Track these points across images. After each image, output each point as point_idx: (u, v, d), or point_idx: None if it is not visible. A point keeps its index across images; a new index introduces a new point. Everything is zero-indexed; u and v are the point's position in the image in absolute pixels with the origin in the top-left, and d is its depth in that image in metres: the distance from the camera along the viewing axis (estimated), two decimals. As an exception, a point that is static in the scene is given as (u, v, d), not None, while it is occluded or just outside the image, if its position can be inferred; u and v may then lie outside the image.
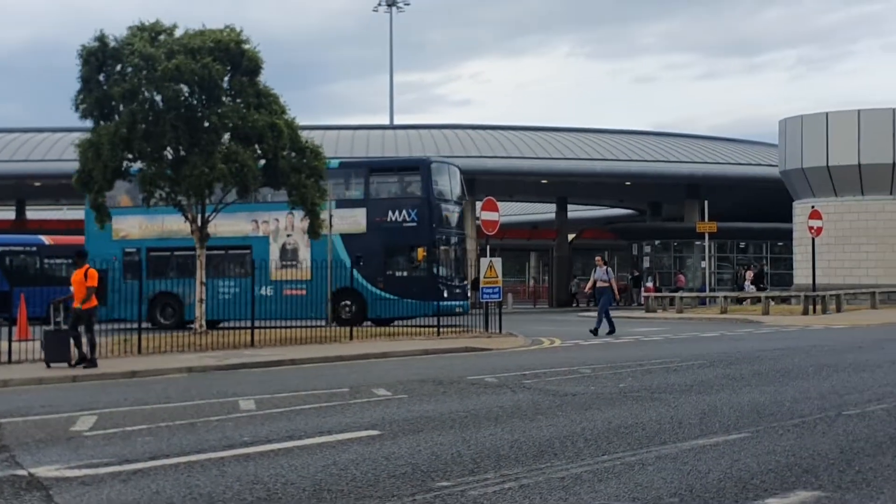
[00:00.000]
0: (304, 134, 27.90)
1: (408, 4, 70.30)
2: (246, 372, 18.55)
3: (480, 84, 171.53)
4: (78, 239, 36.50)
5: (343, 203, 32.70)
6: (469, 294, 34.48)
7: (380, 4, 70.07)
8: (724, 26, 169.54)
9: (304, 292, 31.06)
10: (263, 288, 30.87)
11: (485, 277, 26.21)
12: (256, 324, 23.87)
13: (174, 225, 32.34)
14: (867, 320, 31.38)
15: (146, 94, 24.68)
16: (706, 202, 48.16)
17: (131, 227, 34.53)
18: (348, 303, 31.44)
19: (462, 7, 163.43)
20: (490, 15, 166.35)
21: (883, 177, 40.51)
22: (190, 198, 25.84)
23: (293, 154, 26.25)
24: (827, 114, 42.60)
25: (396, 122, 66.76)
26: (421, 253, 31.86)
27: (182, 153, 25.28)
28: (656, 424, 10.80)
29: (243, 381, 16.52)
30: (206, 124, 25.10)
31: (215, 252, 32.87)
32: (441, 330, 26.85)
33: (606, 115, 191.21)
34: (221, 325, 31.33)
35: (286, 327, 26.12)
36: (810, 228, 36.71)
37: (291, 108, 26.52)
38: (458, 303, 32.82)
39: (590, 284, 28.60)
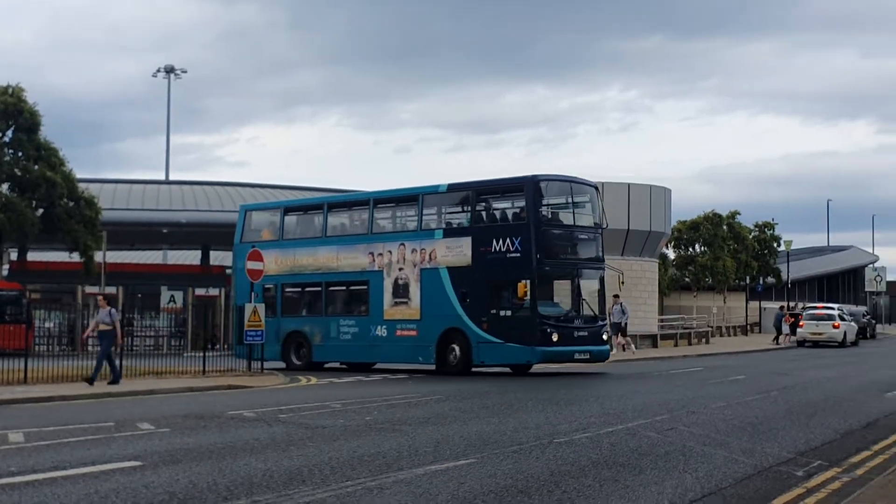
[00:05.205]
0: (83, 186, 26.84)
1: (184, 72, 68.97)
2: (17, 407, 17.41)
3: (257, 148, 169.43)
4: None
5: (450, 232, 26.35)
6: (604, 337, 26.32)
7: (159, 71, 68.53)
8: (470, 108, 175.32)
9: (415, 333, 26.35)
10: (378, 328, 27.12)
11: (249, 321, 25.66)
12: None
13: (304, 258, 28.87)
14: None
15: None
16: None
17: (269, 262, 28.45)
18: (455, 346, 25.70)
19: (240, 78, 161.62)
20: (266, 87, 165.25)
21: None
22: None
23: (71, 203, 25.22)
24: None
25: (176, 178, 65.04)
26: (522, 288, 24.35)
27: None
28: (396, 453, 10.83)
29: (14, 416, 15.50)
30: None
31: (337, 288, 28.73)
32: (206, 370, 26.06)
33: (371, 179, 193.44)
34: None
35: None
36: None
37: (82, 163, 26.13)
38: (578, 348, 25.25)
39: (91, 327, 23.09)
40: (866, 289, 77.98)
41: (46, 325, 42.24)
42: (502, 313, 24.96)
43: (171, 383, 22.58)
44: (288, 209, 30.95)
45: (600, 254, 26.57)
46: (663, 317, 52.22)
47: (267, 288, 29.14)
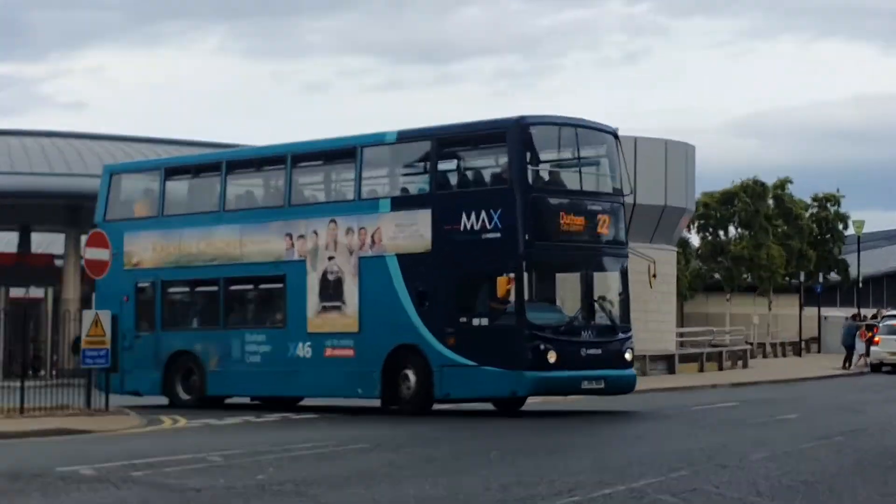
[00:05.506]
0: None
1: (-4, -26, 68.22)
2: None
3: (101, 82, 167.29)
4: None
5: (401, 202, 25.59)
6: (628, 357, 25.18)
7: (-43, -28, 67.76)
8: (409, 26, 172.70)
9: (352, 353, 25.63)
10: (300, 346, 26.42)
11: (87, 336, 25.39)
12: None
13: (194, 242, 28.42)
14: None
15: None
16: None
17: (145, 248, 28.72)
18: (408, 372, 24.78)
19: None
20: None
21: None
22: None
23: None
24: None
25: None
26: (503, 284, 23.26)
27: None
28: (298, 528, 10.84)
29: None
30: None
31: (241, 287, 28.50)
32: (26, 407, 25.80)
33: (270, 130, 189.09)
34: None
35: None
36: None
37: None
38: (587, 373, 24.09)
39: None
40: (969, 290, 79.29)
41: None
42: (476, 322, 24.19)
43: (-27, 427, 22.43)
44: (170, 170, 30.62)
45: (622, 234, 25.95)
46: (683, 329, 52.76)
47: (141, 287, 29.06)
